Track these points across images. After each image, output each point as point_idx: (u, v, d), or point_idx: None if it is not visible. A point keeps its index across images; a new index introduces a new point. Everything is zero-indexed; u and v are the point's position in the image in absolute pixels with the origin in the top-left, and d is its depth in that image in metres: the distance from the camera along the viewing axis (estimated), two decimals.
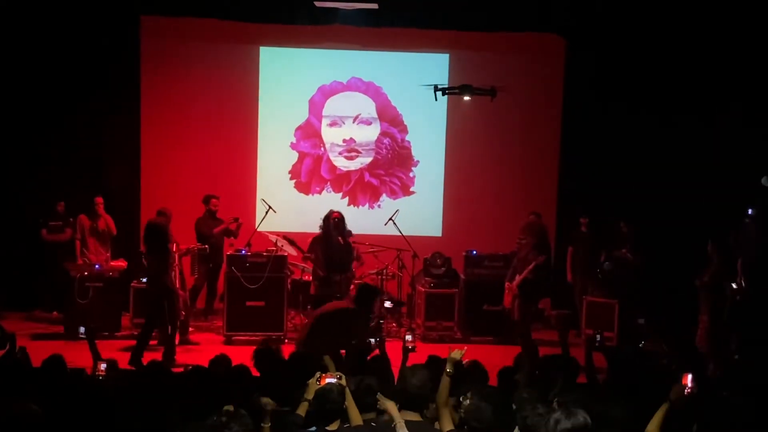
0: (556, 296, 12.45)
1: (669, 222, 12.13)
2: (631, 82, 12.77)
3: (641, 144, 12.69)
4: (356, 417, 5.29)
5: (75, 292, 10.98)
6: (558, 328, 10.27)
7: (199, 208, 12.09)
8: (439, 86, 12.31)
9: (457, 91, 12.26)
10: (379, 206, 13.76)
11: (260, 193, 13.15)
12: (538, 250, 9.48)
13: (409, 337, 7.42)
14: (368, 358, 7.13)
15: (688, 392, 5.19)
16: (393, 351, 7.46)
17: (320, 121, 13.75)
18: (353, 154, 13.80)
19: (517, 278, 9.48)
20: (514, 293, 9.57)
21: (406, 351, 7.19)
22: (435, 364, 6.68)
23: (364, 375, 5.82)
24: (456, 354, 5.46)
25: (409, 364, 6.44)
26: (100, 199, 11.97)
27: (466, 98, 12.37)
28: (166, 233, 9.74)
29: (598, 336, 7.40)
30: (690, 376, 5.28)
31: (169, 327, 9.73)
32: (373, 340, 7.71)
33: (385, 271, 11.74)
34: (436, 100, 12.38)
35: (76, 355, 7.88)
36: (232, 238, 12.02)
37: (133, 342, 9.86)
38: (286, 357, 7.24)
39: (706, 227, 10.67)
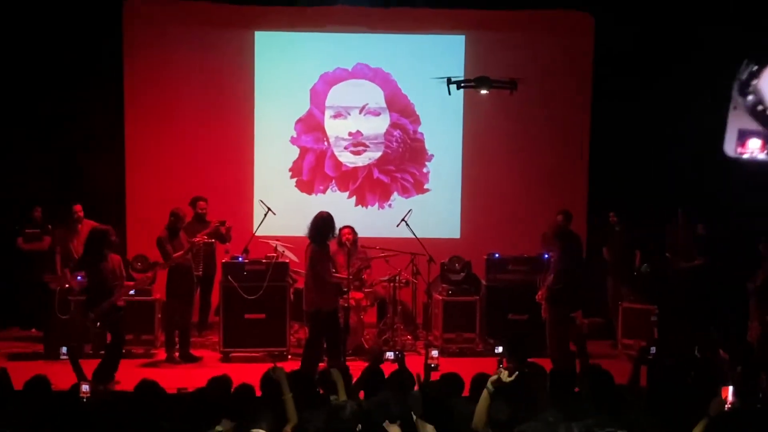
0: (589, 303, 12.44)
1: (716, 219, 12.14)
2: (670, 63, 12.79)
3: (681, 132, 12.70)
4: None
5: (55, 307, 11.00)
6: (575, 339, 10.35)
7: (189, 212, 12.08)
8: (453, 79, 12.27)
9: (473, 84, 12.22)
10: (389, 206, 13.80)
11: (258, 194, 13.19)
12: (564, 258, 9.72)
13: (434, 353, 7.38)
14: (389, 374, 7.10)
15: (728, 407, 5.22)
16: (412, 368, 7.45)
17: (323, 113, 13.78)
18: (360, 148, 13.83)
19: (541, 292, 9.86)
20: (543, 305, 9.84)
21: (428, 369, 7.16)
22: (451, 382, 6.73)
23: (382, 394, 5.84)
24: (503, 374, 5.44)
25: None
26: (78, 207, 11.80)
27: (484, 92, 12.36)
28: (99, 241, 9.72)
29: (653, 349, 7.42)
30: (730, 389, 5.31)
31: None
32: (392, 355, 7.71)
33: (397, 278, 11.73)
34: (449, 94, 12.40)
35: (58, 377, 7.92)
36: (226, 242, 12.03)
37: (122, 361, 9.93)
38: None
39: (760, 225, 10.69)
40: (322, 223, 9.83)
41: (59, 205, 12.21)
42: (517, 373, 5.36)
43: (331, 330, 9.85)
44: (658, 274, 12.04)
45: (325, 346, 9.86)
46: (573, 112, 13.68)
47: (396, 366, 7.42)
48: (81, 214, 11.82)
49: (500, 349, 8.66)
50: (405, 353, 9.00)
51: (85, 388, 6.93)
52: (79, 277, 10.89)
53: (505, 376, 5.46)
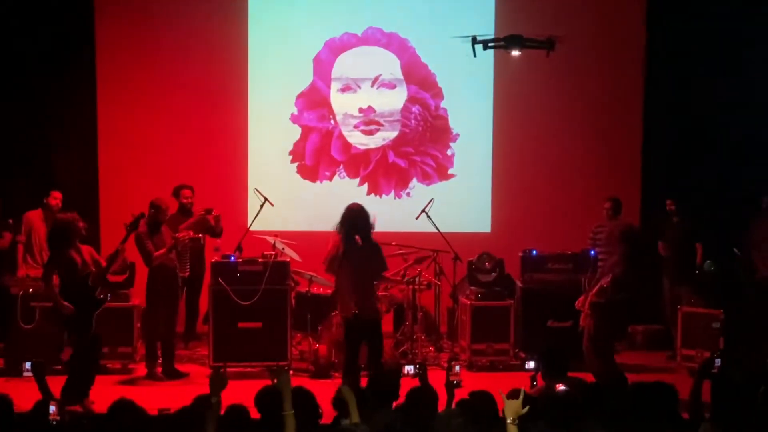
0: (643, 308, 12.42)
1: None
2: (741, 9, 12.75)
3: (758, 98, 12.65)
4: None
5: (17, 315, 11.04)
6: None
7: (173, 203, 12.10)
8: (479, 38, 12.24)
9: (502, 44, 12.19)
10: (408, 195, 13.82)
11: (253, 182, 13.20)
12: (626, 264, 9.70)
13: (457, 368, 7.37)
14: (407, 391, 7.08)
15: None
16: (434, 385, 7.45)
17: (329, 86, 13.80)
18: (373, 127, 13.84)
19: (583, 297, 9.87)
20: (585, 312, 9.81)
21: (450, 387, 7.11)
22: (480, 402, 6.71)
23: (397, 415, 5.84)
24: (514, 403, 5.43)
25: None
26: (57, 194, 11.97)
27: (516, 53, 12.34)
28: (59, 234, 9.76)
29: (718, 361, 7.41)
30: None
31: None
32: (411, 368, 7.69)
33: (417, 279, 11.73)
34: (474, 56, 12.36)
35: (22, 396, 7.96)
36: (216, 236, 12.05)
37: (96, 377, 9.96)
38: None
39: None
40: (359, 215, 9.79)
41: (23, 191, 12.28)
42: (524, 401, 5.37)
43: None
44: (725, 272, 11.98)
45: (346, 355, 9.91)
46: (624, 81, 13.67)
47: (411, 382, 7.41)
48: (59, 202, 11.87)
49: (532, 365, 8.64)
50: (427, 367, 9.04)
51: (52, 409, 6.95)
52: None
53: (518, 404, 5.43)
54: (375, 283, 10.01)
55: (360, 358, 10.16)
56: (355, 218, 9.73)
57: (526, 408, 5.33)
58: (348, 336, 9.88)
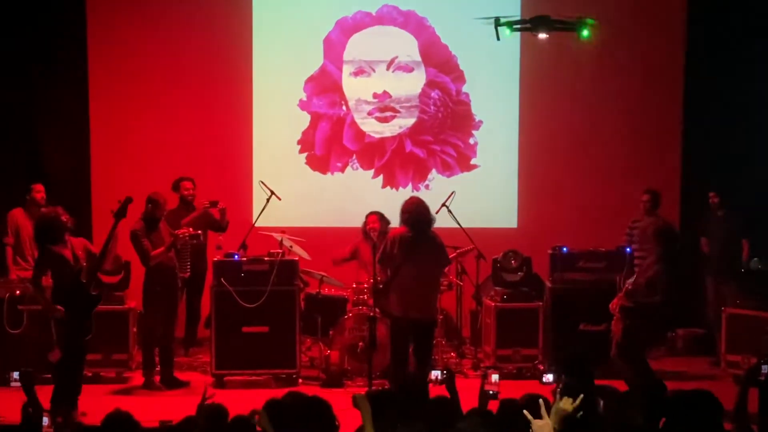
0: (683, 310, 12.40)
1: None
2: None
3: None
4: None
5: (4, 319, 11.06)
6: None
7: (173, 197, 12.13)
8: (503, 19, 12.19)
9: (528, 25, 12.15)
10: (426, 187, 13.78)
11: (258, 174, 13.19)
12: (663, 264, 9.68)
13: (495, 377, 7.35)
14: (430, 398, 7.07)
15: None
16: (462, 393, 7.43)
17: (340, 69, 13.78)
18: (389, 113, 13.82)
19: (617, 300, 9.83)
20: (615, 316, 9.80)
21: (485, 397, 7.13)
22: (508, 410, 6.70)
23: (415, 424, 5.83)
24: (566, 404, 5.35)
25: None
26: (40, 187, 12.01)
27: (543, 35, 12.31)
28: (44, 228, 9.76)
29: (765, 367, 7.40)
30: None
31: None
32: (438, 374, 7.68)
33: None
34: (498, 39, 12.32)
35: (9, 408, 7.99)
36: (222, 230, 12.06)
37: (89, 387, 9.98)
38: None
39: None
40: (422, 209, 9.96)
41: (10, 185, 12.32)
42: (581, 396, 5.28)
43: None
44: None
45: (392, 359, 10.12)
46: (662, 64, 13.63)
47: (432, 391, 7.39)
48: (43, 194, 11.90)
49: (551, 378, 8.59)
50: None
51: (46, 421, 6.98)
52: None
53: (567, 404, 5.33)
54: (437, 280, 10.29)
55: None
56: (417, 212, 9.88)
57: (580, 413, 5.24)
58: (394, 338, 10.08)
